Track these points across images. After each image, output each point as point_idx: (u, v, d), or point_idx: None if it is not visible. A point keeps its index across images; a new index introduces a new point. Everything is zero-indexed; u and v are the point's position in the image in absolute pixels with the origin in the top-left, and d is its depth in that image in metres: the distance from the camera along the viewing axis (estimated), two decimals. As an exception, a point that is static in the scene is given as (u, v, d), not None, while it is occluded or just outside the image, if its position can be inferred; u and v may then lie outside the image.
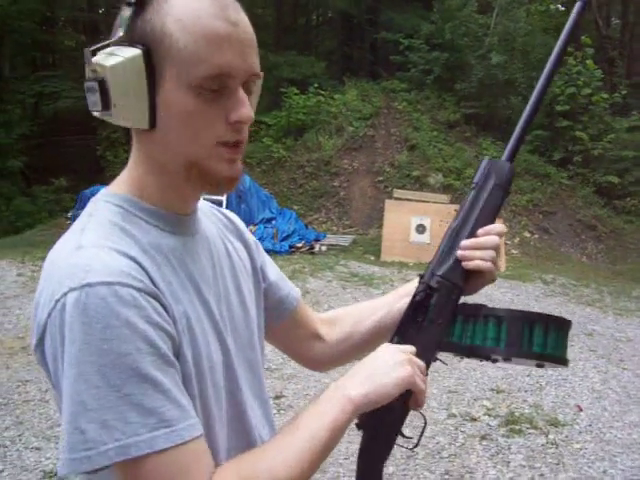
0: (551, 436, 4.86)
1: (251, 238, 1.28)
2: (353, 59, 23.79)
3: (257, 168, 15.78)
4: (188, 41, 0.89)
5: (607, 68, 19.30)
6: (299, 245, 12.22)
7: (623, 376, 6.43)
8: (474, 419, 5.07)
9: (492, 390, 5.73)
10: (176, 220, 1.03)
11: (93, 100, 0.95)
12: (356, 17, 22.56)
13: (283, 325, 1.31)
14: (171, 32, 0.90)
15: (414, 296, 1.16)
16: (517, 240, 14.05)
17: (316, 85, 17.33)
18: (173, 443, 0.84)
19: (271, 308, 1.28)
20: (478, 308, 1.14)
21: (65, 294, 0.84)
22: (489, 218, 1.16)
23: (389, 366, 1.02)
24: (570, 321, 1.12)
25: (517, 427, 4.96)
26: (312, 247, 12.30)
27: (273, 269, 1.30)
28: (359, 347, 1.37)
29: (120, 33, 0.92)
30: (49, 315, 0.86)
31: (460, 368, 6.22)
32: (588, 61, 16.95)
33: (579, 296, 10.24)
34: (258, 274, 1.24)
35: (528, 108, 1.23)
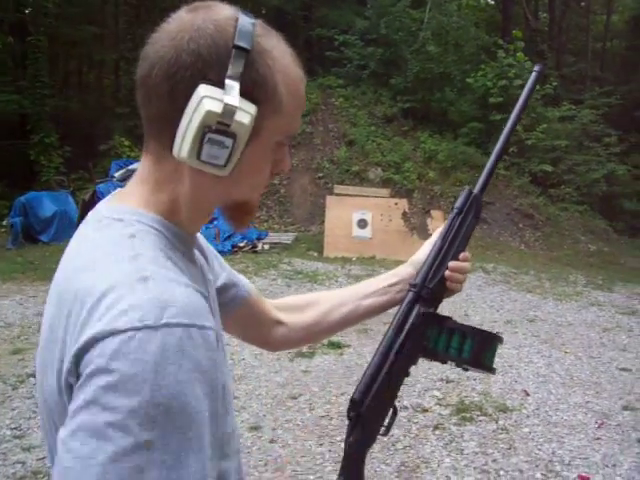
0: (501, 422, 4.95)
1: (203, 241, 1.24)
2: (288, 56, 23.73)
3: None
4: (289, 100, 0.96)
5: (537, 60, 19.70)
6: (241, 245, 12.16)
7: (566, 359, 6.61)
8: (426, 410, 5.13)
9: (441, 380, 5.80)
10: (191, 244, 1.04)
11: (216, 154, 0.90)
12: (290, 14, 22.52)
13: (239, 312, 1.35)
14: (280, 90, 0.94)
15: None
16: (457, 231, 14.25)
17: (252, 83, 17.25)
18: None
19: (227, 302, 1.31)
20: (446, 319, 1.30)
21: (139, 329, 0.75)
22: (466, 243, 1.35)
23: None
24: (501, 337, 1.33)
25: (468, 415, 5.04)
26: (255, 246, 12.26)
27: (225, 266, 1.35)
28: (325, 334, 1.50)
29: (235, 84, 0.89)
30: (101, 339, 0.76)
31: (409, 359, 6.29)
32: (519, 54, 17.32)
33: (519, 283, 10.48)
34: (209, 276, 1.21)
35: (498, 146, 1.43)
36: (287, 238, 13.21)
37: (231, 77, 0.89)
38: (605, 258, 13.94)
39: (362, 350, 6.61)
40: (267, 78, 0.93)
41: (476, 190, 1.39)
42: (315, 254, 12.14)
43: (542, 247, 14.39)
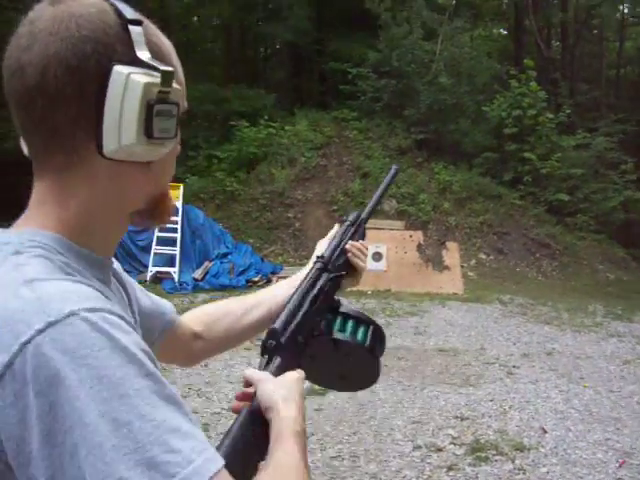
0: (518, 461, 4.83)
1: (119, 269, 1.15)
2: (302, 90, 23.93)
3: (210, 203, 15.68)
4: (179, 69, 0.97)
5: (551, 89, 19.71)
6: (256, 279, 12.11)
7: (584, 394, 6.47)
8: (440, 449, 5.01)
9: (456, 418, 5.69)
10: (105, 267, 0.95)
11: (166, 126, 0.87)
12: (304, 48, 22.72)
13: (167, 339, 1.34)
14: (173, 58, 0.95)
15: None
16: (473, 262, 14.16)
17: (266, 117, 17.37)
18: (221, 465, 0.74)
19: (155, 330, 1.30)
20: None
21: (41, 331, 0.69)
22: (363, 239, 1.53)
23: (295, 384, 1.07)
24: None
25: (483, 454, 4.92)
26: (269, 280, 12.20)
27: (149, 294, 1.32)
28: (240, 337, 1.49)
29: (146, 52, 0.85)
30: (8, 366, 0.69)
31: (423, 397, 6.18)
32: (532, 83, 17.30)
33: (537, 315, 10.33)
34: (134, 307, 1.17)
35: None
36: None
37: (140, 50, 0.85)
38: (624, 287, 13.74)
39: (375, 387, 6.50)
40: (162, 47, 0.92)
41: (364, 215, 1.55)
42: (365, 250, 12.05)
43: (560, 277, 14.24)
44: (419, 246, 13.03)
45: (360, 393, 6.31)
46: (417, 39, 18.32)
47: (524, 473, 4.63)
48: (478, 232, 15.07)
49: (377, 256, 12.60)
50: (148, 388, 0.72)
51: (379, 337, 1.29)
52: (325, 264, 1.35)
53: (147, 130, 0.83)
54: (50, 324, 0.70)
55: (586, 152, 17.62)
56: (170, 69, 0.85)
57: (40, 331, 0.70)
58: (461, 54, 18.41)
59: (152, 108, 0.83)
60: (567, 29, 25.06)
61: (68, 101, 0.83)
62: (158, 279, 12.04)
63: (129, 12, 0.87)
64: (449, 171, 16.75)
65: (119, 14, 0.86)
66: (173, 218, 12.69)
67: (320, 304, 1.26)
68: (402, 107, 18.01)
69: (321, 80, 23.77)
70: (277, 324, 1.19)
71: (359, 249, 1.46)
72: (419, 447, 5.02)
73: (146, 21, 0.91)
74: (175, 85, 0.87)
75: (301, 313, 1.22)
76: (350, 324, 1.27)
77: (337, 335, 1.26)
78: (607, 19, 26.05)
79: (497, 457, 4.90)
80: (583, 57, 26.98)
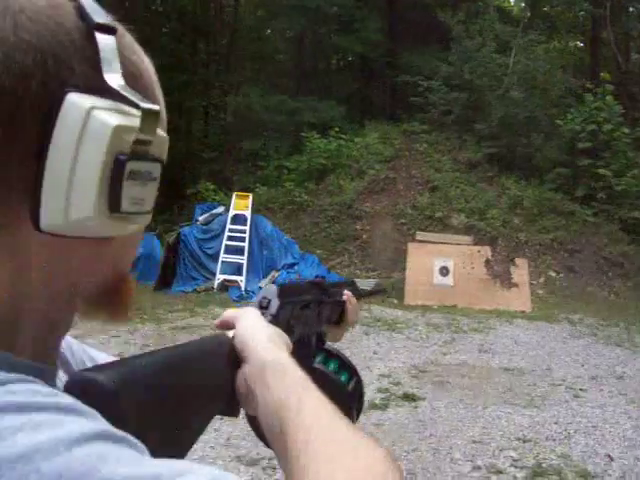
0: (581, 488, 4.71)
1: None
2: (373, 102, 23.99)
3: (279, 213, 15.83)
4: (162, 104, 0.69)
5: (628, 103, 19.20)
6: (322, 291, 12.15)
7: (655, 421, 6.26)
8: (500, 471, 4.93)
9: (518, 439, 5.58)
10: (52, 376, 0.66)
11: (140, 194, 0.59)
12: (375, 60, 22.79)
13: None
14: (154, 87, 0.68)
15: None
16: (542, 279, 13.87)
17: (337, 129, 17.47)
18: None
19: None
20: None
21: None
22: None
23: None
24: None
25: (545, 479, 4.82)
26: (335, 292, 12.23)
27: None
28: None
29: (118, 77, 0.58)
30: None
31: (485, 416, 6.09)
32: (608, 97, 16.89)
33: (607, 336, 10.05)
34: None
35: None
36: (368, 284, 13.12)
37: (111, 72, 0.58)
38: (701, 310, 13.24)
39: (437, 404, 6.44)
40: (142, 71, 0.65)
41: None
42: (395, 301, 12.02)
43: (632, 297, 13.79)
44: (487, 262, 12.88)
45: (421, 409, 6.26)
46: (490, 52, 18.17)
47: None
48: (548, 249, 14.76)
49: (444, 271, 12.51)
50: None
51: (360, 391, 1.15)
52: (324, 289, 1.19)
53: (111, 200, 0.56)
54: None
55: (663, 168, 17.08)
56: (156, 107, 0.59)
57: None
58: (535, 67, 18.12)
59: (123, 166, 0.56)
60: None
61: None
62: (225, 287, 12.23)
63: (98, 13, 0.60)
64: (520, 186, 16.48)
65: (82, 14, 0.59)
66: (241, 227, 12.88)
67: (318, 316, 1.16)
68: (473, 120, 17.85)
69: (391, 92, 23.78)
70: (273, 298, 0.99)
71: (355, 304, 1.27)
72: (478, 468, 4.95)
73: (121, 29, 0.63)
74: (159, 132, 0.61)
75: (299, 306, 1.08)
76: (333, 363, 1.13)
77: (318, 366, 1.11)
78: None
79: (559, 483, 4.79)
80: (663, 70, 26.20)
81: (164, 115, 0.67)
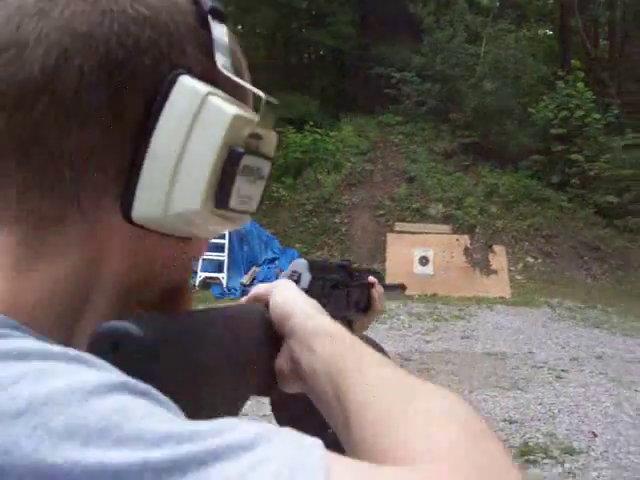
0: (567, 465, 4.83)
1: None
2: (347, 95, 23.99)
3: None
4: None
5: (598, 89, 19.43)
6: (304, 284, 12.22)
7: (636, 398, 6.40)
8: (488, 452, 5.03)
9: (505, 421, 5.70)
10: None
11: (248, 192, 0.57)
12: (347, 53, 22.82)
13: None
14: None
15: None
16: (521, 266, 14.05)
17: (312, 123, 17.50)
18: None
19: None
20: None
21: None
22: None
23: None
24: None
25: (532, 457, 4.93)
26: (316, 285, 12.30)
27: None
28: None
29: (230, 66, 0.57)
30: None
31: (471, 401, 6.19)
32: (579, 84, 17.12)
33: (586, 318, 10.23)
34: None
35: None
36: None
37: (221, 60, 0.56)
38: (677, 289, 13.50)
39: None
40: (242, 62, 0.65)
41: None
42: (385, 299, 12.09)
43: (610, 280, 14.03)
44: (466, 250, 13.01)
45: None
46: (461, 42, 18.29)
47: (574, 477, 4.64)
48: (526, 235, 14.94)
49: (424, 260, 12.61)
50: None
51: None
52: (351, 273, 1.14)
53: (221, 195, 0.53)
54: None
55: (636, 152, 17.32)
56: (275, 100, 0.59)
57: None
58: (506, 56, 18.29)
59: (239, 159, 0.53)
60: (615, 28, 24.69)
61: (93, 118, 0.51)
62: (207, 284, 12.25)
63: None
64: (496, 174, 16.65)
65: None
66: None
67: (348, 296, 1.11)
68: (447, 111, 17.97)
69: (365, 85, 23.80)
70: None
71: (381, 291, 1.23)
72: (468, 450, 5.05)
73: None
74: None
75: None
76: None
77: None
78: (656, 17, 25.57)
79: (546, 460, 4.90)
80: (632, 56, 26.52)
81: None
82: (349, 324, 1.11)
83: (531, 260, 14.32)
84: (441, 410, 0.53)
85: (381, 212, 15.45)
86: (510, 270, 13.21)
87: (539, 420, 5.74)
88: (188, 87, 0.51)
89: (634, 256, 15.01)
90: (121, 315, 0.49)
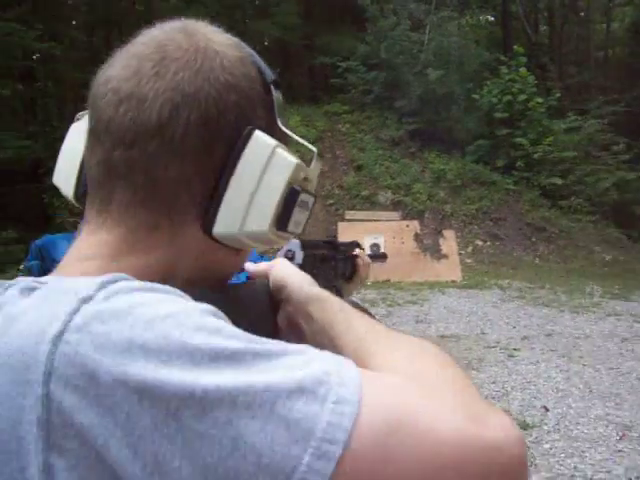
0: (521, 439, 4.95)
1: None
2: (293, 85, 23.97)
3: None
4: None
5: (540, 73, 19.83)
6: (257, 275, 12.22)
7: (584, 372, 6.59)
8: (445, 431, 5.13)
9: (460, 400, 5.81)
10: None
11: (299, 219, 0.73)
12: (292, 44, 22.81)
13: None
14: None
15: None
16: (470, 249, 14.28)
17: (258, 114, 17.44)
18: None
19: None
20: None
21: None
22: None
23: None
24: None
25: (487, 434, 5.04)
26: (270, 275, 12.31)
27: None
28: None
29: (287, 127, 0.73)
30: None
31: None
32: (521, 69, 17.43)
33: (535, 298, 10.45)
34: None
35: None
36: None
37: (280, 119, 0.73)
38: (621, 267, 13.88)
39: (380, 375, 6.61)
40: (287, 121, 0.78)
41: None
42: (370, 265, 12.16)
43: (556, 260, 14.36)
44: (416, 235, 13.16)
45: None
46: (404, 30, 18.43)
47: (528, 450, 4.74)
48: (474, 219, 15.19)
49: (375, 247, 12.70)
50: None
51: None
52: (336, 247, 1.28)
53: (282, 220, 0.70)
54: None
55: (577, 135, 17.74)
56: (315, 150, 0.74)
57: None
58: (449, 43, 18.49)
59: (297, 195, 0.69)
60: (554, 13, 25.18)
61: (190, 155, 0.67)
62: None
63: (268, 70, 0.75)
64: (442, 160, 16.87)
65: (260, 69, 0.74)
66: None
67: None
68: (393, 98, 18.11)
69: (311, 75, 23.87)
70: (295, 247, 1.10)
71: (367, 261, 1.41)
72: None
73: None
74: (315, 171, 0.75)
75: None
76: None
77: None
78: (593, 1, 26.14)
79: (501, 436, 5.02)
80: (571, 40, 27.09)
81: None
82: (338, 291, 1.22)
83: (480, 243, 14.57)
84: (418, 346, 0.69)
85: (331, 201, 15.52)
86: (460, 254, 13.41)
87: (493, 398, 5.85)
88: (261, 140, 0.68)
89: (578, 235, 15.40)
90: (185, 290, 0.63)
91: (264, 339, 0.56)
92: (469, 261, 13.68)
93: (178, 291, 0.60)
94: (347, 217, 14.21)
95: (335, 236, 1.42)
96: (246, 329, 0.64)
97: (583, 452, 4.70)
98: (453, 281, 11.99)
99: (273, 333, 0.86)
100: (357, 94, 18.80)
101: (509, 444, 0.53)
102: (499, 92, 17.32)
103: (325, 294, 0.82)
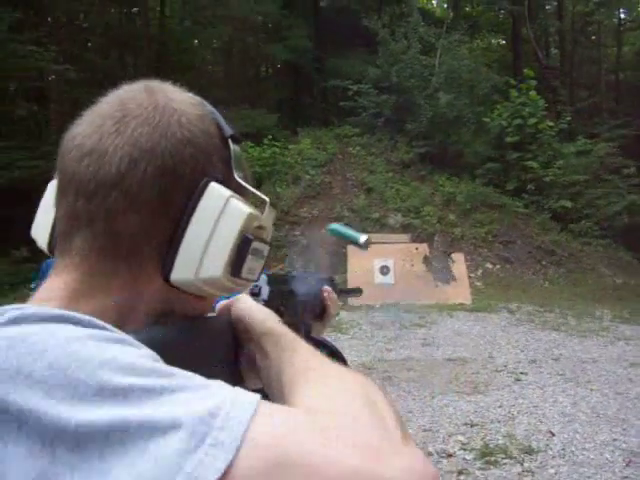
0: (526, 464, 4.94)
1: None
2: (304, 108, 24.18)
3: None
4: None
5: (551, 97, 19.89)
6: (266, 296, 12.23)
7: (592, 397, 6.57)
8: (450, 455, 5.13)
9: (466, 424, 5.80)
10: None
11: (253, 267, 0.76)
12: (304, 67, 22.98)
13: None
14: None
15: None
16: (480, 272, 14.27)
17: (270, 137, 17.57)
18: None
19: None
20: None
21: None
22: None
23: None
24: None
25: (492, 458, 5.04)
26: (279, 297, 12.31)
27: None
28: None
29: (241, 176, 0.77)
30: None
31: (433, 406, 6.30)
32: (531, 92, 17.48)
33: (544, 321, 10.44)
34: None
35: None
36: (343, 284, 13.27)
37: (237, 171, 0.77)
38: (631, 291, 13.82)
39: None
40: (247, 171, 0.81)
41: None
42: (339, 303, 12.16)
43: (566, 283, 14.33)
44: (425, 258, 13.18)
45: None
46: (415, 53, 18.56)
47: (532, 475, 4.75)
48: (484, 242, 15.19)
49: (384, 270, 12.74)
50: None
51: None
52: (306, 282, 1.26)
53: (235, 268, 0.73)
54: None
55: (588, 158, 17.73)
56: (268, 200, 0.78)
57: None
58: (460, 67, 18.60)
59: (249, 244, 0.73)
60: (564, 37, 25.28)
61: (148, 206, 0.71)
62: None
63: (227, 126, 0.80)
64: (452, 183, 16.91)
65: (219, 126, 0.79)
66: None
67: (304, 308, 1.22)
68: (403, 121, 18.20)
69: (322, 98, 24.02)
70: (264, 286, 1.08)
71: (334, 298, 1.37)
72: (430, 454, 5.14)
73: None
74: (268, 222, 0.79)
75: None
76: (322, 352, 1.10)
77: None
78: (604, 25, 26.26)
79: (506, 460, 5.01)
80: (582, 64, 27.17)
81: None
82: (306, 328, 1.21)
83: (490, 266, 14.56)
84: (351, 385, 0.67)
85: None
86: (469, 277, 13.41)
87: (499, 422, 5.85)
88: (216, 191, 0.72)
89: (589, 259, 15.36)
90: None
91: (186, 373, 0.56)
92: (478, 284, 13.67)
93: (108, 326, 0.60)
94: (357, 239, 14.24)
95: (306, 271, 1.35)
96: (208, 363, 0.67)
97: (588, 478, 4.69)
98: (462, 304, 11.99)
99: (233, 371, 0.87)
100: (368, 117, 18.90)
101: None
102: (509, 115, 17.37)
103: (280, 329, 0.82)
